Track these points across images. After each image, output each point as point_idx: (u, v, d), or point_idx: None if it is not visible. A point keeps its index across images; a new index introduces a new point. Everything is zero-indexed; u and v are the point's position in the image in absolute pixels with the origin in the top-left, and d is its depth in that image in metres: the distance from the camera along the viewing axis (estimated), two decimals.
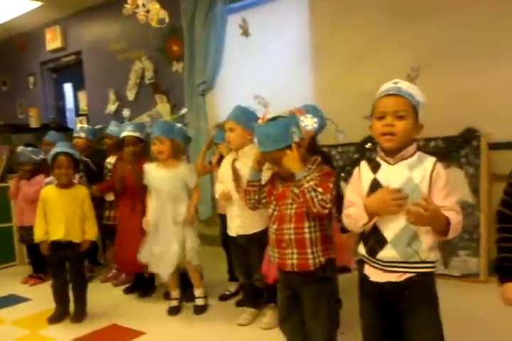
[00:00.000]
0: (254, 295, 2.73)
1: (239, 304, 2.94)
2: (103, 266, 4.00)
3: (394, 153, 1.49)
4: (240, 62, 4.39)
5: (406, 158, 1.48)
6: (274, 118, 1.85)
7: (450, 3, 3.24)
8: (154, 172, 2.85)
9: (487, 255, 3.08)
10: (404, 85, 1.49)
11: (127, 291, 3.35)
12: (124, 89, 5.43)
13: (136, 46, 5.27)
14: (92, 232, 2.88)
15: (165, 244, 2.80)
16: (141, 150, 3.24)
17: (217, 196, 2.65)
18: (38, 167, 3.60)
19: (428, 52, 3.24)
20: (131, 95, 5.39)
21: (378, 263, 1.50)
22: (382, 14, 3.51)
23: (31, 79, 6.84)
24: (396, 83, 1.49)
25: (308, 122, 1.87)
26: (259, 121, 1.88)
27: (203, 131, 4.53)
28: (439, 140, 3.25)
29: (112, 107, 5.59)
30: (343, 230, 2.20)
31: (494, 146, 3.14)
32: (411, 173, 1.46)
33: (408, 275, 1.46)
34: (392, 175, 1.48)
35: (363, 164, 1.59)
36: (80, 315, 2.86)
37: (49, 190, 2.86)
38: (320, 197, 1.70)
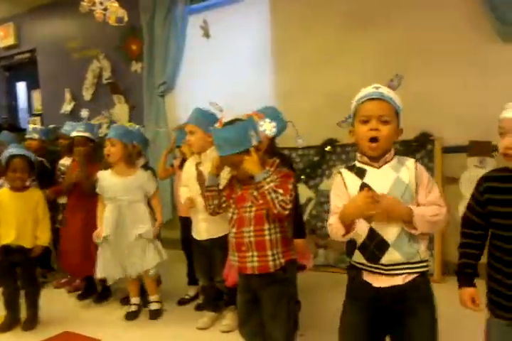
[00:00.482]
0: (214, 298, 2.70)
1: (198, 308, 2.91)
2: (56, 272, 3.85)
3: (378, 158, 1.48)
4: (201, 63, 4.35)
5: (389, 161, 1.49)
6: (231, 122, 1.85)
7: (405, 9, 3.33)
8: (109, 181, 2.77)
9: (440, 255, 3.18)
10: (386, 90, 1.49)
11: (81, 297, 3.25)
12: (80, 88, 5.28)
13: (93, 45, 5.14)
14: (44, 237, 2.76)
15: (121, 253, 2.75)
16: (91, 150, 3.14)
17: (182, 200, 2.60)
18: None
19: (386, 58, 3.32)
20: (87, 95, 5.25)
21: (381, 268, 1.45)
22: (342, 18, 3.57)
23: None
24: (377, 88, 1.49)
25: (267, 127, 1.88)
26: (216, 124, 1.87)
27: (162, 133, 4.46)
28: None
29: (67, 107, 5.43)
30: (299, 234, 2.22)
31: (447, 150, 3.25)
32: (398, 174, 1.46)
33: (412, 276, 1.44)
34: (381, 178, 1.46)
35: (345, 172, 1.55)
36: (32, 322, 2.74)
37: (1, 193, 2.74)
38: (280, 198, 1.70)
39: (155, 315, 2.84)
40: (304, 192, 3.66)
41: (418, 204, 1.43)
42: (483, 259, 1.51)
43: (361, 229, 1.45)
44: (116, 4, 3.43)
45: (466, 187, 3.08)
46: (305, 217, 3.61)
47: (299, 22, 3.81)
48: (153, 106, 4.61)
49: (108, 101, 5.04)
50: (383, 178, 1.45)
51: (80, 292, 3.31)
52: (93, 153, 3.14)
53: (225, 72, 4.19)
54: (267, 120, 1.89)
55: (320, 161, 3.66)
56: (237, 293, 1.95)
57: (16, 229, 2.65)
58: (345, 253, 1.57)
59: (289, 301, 1.83)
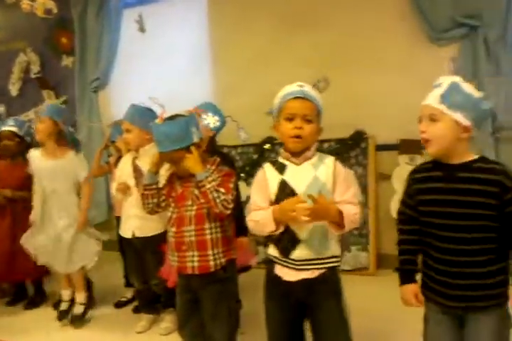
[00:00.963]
0: (151, 301, 2.63)
1: (136, 310, 2.83)
2: None
3: (299, 154, 1.54)
4: (137, 58, 4.24)
5: (309, 158, 1.55)
6: (172, 117, 1.79)
7: (339, 11, 3.42)
8: (38, 161, 2.62)
9: (375, 249, 3.31)
10: (309, 89, 1.55)
11: (10, 303, 3.07)
12: (5, 83, 4.96)
13: (19, 37, 4.83)
14: None
15: (52, 245, 2.61)
16: (18, 146, 2.97)
17: (113, 191, 2.49)
18: None
19: (321, 58, 3.40)
20: (14, 90, 4.92)
21: (291, 263, 1.52)
22: (278, 18, 3.61)
23: None
24: (301, 86, 1.54)
25: (211, 120, 1.85)
26: (157, 120, 1.81)
27: (96, 130, 4.30)
28: (332, 141, 3.42)
29: None
30: (242, 232, 2.21)
31: (380, 148, 3.39)
32: (316, 172, 1.52)
33: (320, 270, 1.52)
34: (299, 175, 1.52)
35: (268, 166, 1.60)
36: None
37: None
38: (222, 197, 1.69)
39: (76, 319, 2.66)
40: (244, 190, 3.60)
41: (334, 202, 1.48)
42: None
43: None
44: None
45: (398, 184, 3.22)
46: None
47: (237, 21, 3.80)
48: (85, 102, 4.42)
49: (37, 97, 4.77)
50: (302, 175, 1.52)
51: (8, 298, 3.13)
52: (20, 149, 2.96)
53: (162, 68, 4.11)
54: (210, 114, 1.86)
55: (259, 159, 3.67)
56: (176, 294, 1.91)
57: None
58: (263, 244, 1.63)
59: (229, 300, 1.82)
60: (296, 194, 1.49)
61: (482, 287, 1.35)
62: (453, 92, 1.34)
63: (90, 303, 2.79)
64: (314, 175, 1.51)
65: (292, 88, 1.55)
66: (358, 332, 2.24)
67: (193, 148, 1.72)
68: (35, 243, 2.64)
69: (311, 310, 1.56)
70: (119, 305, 2.96)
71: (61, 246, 2.60)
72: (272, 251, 1.57)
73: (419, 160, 3.16)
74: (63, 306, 2.77)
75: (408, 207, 1.51)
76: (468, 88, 1.36)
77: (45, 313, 2.91)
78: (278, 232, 1.51)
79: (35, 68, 4.75)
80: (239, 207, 2.08)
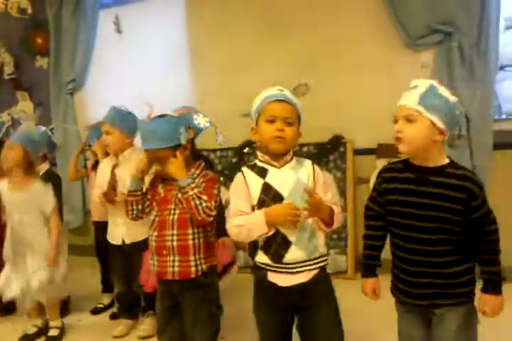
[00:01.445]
0: (131, 304, 2.60)
1: (113, 317, 2.79)
2: None
3: (279, 157, 1.54)
4: (114, 60, 4.18)
5: (288, 162, 1.56)
6: (161, 116, 1.74)
7: (318, 17, 3.45)
8: (5, 194, 2.47)
9: (353, 253, 3.33)
10: (289, 93, 1.55)
11: None
12: None
13: None
14: None
15: (23, 277, 2.46)
16: None
17: (94, 198, 2.45)
18: None
19: (299, 63, 3.41)
20: None
21: (285, 268, 1.50)
22: (257, 22, 3.61)
23: None
24: (281, 90, 1.55)
25: (201, 120, 1.81)
26: (145, 117, 1.76)
27: (71, 134, 4.22)
28: (310, 146, 3.44)
29: None
30: (223, 234, 2.20)
31: (358, 152, 3.42)
32: (298, 174, 1.53)
33: (314, 272, 1.52)
34: (282, 177, 1.52)
35: (246, 170, 1.58)
36: None
37: None
38: (204, 204, 1.67)
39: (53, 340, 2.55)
40: (223, 194, 3.62)
41: None
42: None
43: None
44: None
45: None
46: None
47: (216, 22, 3.79)
48: (61, 104, 4.34)
49: (10, 98, 4.66)
50: (284, 178, 1.52)
51: None
52: None
53: (139, 70, 4.06)
54: (201, 114, 1.83)
55: (238, 163, 3.66)
56: (156, 300, 1.88)
57: None
58: (248, 254, 1.61)
59: (210, 306, 1.81)
60: (282, 196, 1.49)
61: (447, 286, 1.39)
62: (431, 95, 1.36)
63: (63, 330, 2.64)
64: (296, 177, 1.52)
65: (272, 91, 1.55)
66: None
67: (178, 153, 1.70)
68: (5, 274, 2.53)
69: (304, 313, 1.55)
70: (95, 311, 2.91)
71: (30, 292, 2.45)
72: (261, 258, 1.53)
73: None
74: (30, 330, 2.59)
75: (377, 203, 1.54)
76: (445, 92, 1.39)
77: (21, 320, 2.81)
78: (269, 234, 1.49)
79: (8, 69, 4.64)
80: (220, 209, 2.07)
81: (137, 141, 2.46)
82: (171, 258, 1.74)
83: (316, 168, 1.57)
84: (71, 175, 3.09)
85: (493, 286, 1.39)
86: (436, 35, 3.11)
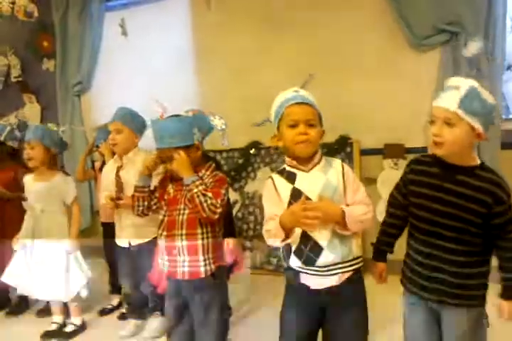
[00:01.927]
0: (139, 305, 2.60)
1: (121, 317, 2.79)
2: None
3: (307, 161, 1.50)
4: (120, 62, 4.21)
5: (317, 164, 1.51)
6: (176, 116, 1.75)
7: (323, 19, 3.45)
8: (29, 185, 2.58)
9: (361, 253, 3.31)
10: (306, 94, 1.52)
11: None
12: None
13: (0, 40, 4.76)
14: None
15: (40, 269, 2.51)
16: None
17: (102, 200, 2.46)
18: None
19: (304, 62, 3.41)
20: None
21: (317, 270, 1.47)
22: (262, 24, 3.62)
23: None
24: (298, 92, 1.51)
25: (217, 122, 1.81)
26: (158, 117, 1.77)
27: (78, 135, 4.24)
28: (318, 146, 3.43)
29: None
30: (229, 235, 2.20)
31: (365, 152, 3.41)
32: (327, 176, 1.49)
33: (347, 275, 1.48)
34: (311, 181, 1.48)
35: (276, 177, 1.55)
36: None
37: None
38: (209, 201, 1.67)
39: (63, 335, 2.60)
40: (230, 195, 3.64)
41: (347, 205, 1.46)
42: None
43: (295, 234, 1.46)
44: None
45: (384, 188, 3.25)
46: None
47: (220, 25, 3.80)
48: (67, 106, 4.37)
49: (18, 101, 4.69)
50: (313, 182, 1.48)
51: None
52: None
53: (145, 72, 4.08)
54: (217, 116, 1.83)
55: (245, 164, 3.67)
56: (165, 299, 1.89)
57: None
58: (283, 259, 1.58)
59: (219, 308, 1.80)
60: (311, 200, 1.44)
61: (458, 286, 1.38)
62: (472, 98, 1.30)
63: (82, 328, 2.68)
64: (325, 179, 1.48)
65: (289, 94, 1.52)
66: None
67: (181, 152, 1.70)
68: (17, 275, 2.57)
69: (333, 316, 1.52)
70: (104, 312, 2.91)
71: (50, 274, 2.50)
72: (294, 261, 1.51)
73: (403, 164, 3.19)
74: (52, 326, 2.65)
75: (400, 193, 1.55)
76: (486, 94, 1.33)
77: (29, 321, 2.85)
78: (288, 241, 1.46)
79: (15, 72, 4.68)
80: (228, 211, 2.07)
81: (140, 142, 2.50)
82: (181, 258, 1.74)
83: (346, 167, 1.53)
84: (79, 176, 3.11)
85: None
86: (442, 35, 3.11)
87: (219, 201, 1.69)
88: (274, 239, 1.47)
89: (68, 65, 4.36)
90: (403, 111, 3.26)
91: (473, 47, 1.64)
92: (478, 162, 1.40)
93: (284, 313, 1.58)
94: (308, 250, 1.46)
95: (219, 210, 1.69)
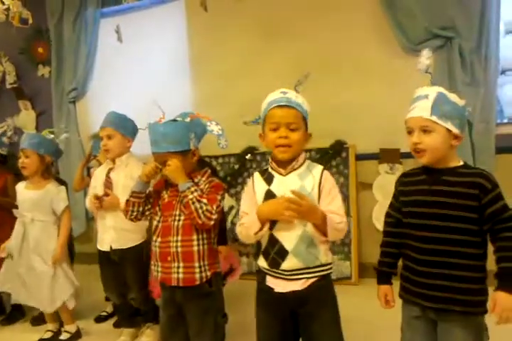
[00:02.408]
0: (130, 314, 2.56)
1: (117, 325, 2.76)
2: None
3: (286, 164, 1.53)
4: (116, 68, 4.21)
5: (296, 169, 1.53)
6: (173, 120, 1.75)
7: (318, 24, 3.47)
8: (21, 193, 2.56)
9: (357, 258, 3.31)
10: (293, 95, 1.52)
11: None
12: None
13: None
14: None
15: (25, 277, 2.51)
16: None
17: (87, 205, 2.43)
18: None
19: (301, 68, 3.39)
20: None
21: (282, 274, 1.51)
22: (258, 28, 3.64)
23: None
24: (285, 93, 1.52)
25: (214, 128, 1.80)
26: (156, 121, 1.76)
27: (73, 142, 4.23)
28: (312, 151, 3.43)
29: None
30: (222, 242, 2.19)
31: (360, 157, 3.41)
32: (302, 182, 1.51)
33: (311, 280, 1.50)
34: (285, 185, 1.50)
35: (257, 175, 1.60)
36: None
37: None
38: (205, 207, 1.66)
39: None
40: (226, 201, 3.63)
41: None
42: None
43: (264, 234, 1.51)
44: (19, 3, 3.23)
45: (379, 193, 3.25)
46: (227, 225, 3.59)
47: (216, 30, 3.81)
48: (63, 113, 4.37)
49: (13, 108, 4.68)
50: (287, 186, 1.49)
51: None
52: None
53: (141, 78, 4.08)
54: (214, 122, 1.82)
55: (240, 169, 3.67)
56: (160, 309, 1.87)
57: None
58: (253, 256, 1.61)
59: (215, 316, 1.78)
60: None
61: (461, 291, 1.36)
62: (442, 103, 1.37)
63: (77, 336, 2.66)
64: (300, 185, 1.50)
65: (275, 95, 1.53)
66: None
67: (174, 158, 1.68)
68: (7, 274, 2.57)
69: (303, 320, 1.54)
70: (99, 319, 2.89)
71: (37, 283, 2.50)
72: (262, 262, 1.56)
73: (399, 168, 3.20)
74: (47, 334, 2.63)
75: (394, 209, 1.54)
76: (454, 97, 1.40)
77: (23, 329, 2.82)
78: (261, 235, 1.50)
79: (11, 78, 4.68)
80: (223, 218, 2.06)
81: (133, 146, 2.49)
82: (176, 264, 1.72)
83: (325, 175, 1.53)
84: (76, 186, 3.08)
85: (510, 283, 1.32)
86: (436, 40, 3.12)
87: (214, 207, 1.69)
88: (246, 232, 1.51)
89: (63, 72, 4.37)
90: (399, 116, 3.24)
91: (424, 59, 1.65)
92: (461, 162, 1.43)
93: (256, 315, 1.61)
94: (274, 253, 1.50)
95: (214, 216, 1.68)
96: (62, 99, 4.37)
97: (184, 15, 3.99)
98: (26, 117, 4.62)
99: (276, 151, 1.51)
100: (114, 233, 2.34)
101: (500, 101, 3.21)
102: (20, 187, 2.58)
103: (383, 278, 1.56)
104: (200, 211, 1.65)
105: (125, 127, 2.38)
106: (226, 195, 3.64)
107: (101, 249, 2.41)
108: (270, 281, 1.54)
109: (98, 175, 2.48)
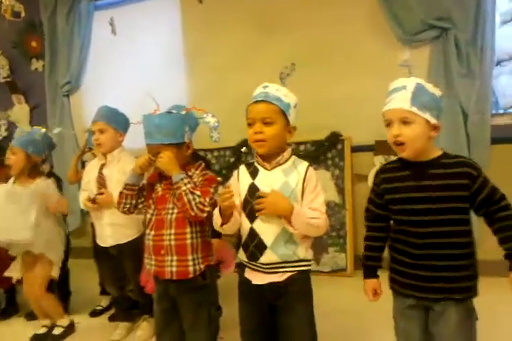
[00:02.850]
0: (127, 308, 2.58)
1: (112, 319, 2.76)
2: None
3: (270, 159, 1.54)
4: (110, 61, 4.18)
5: (281, 164, 1.55)
6: (169, 112, 1.72)
7: (313, 14, 3.44)
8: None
9: (353, 250, 3.31)
10: (273, 89, 1.52)
11: None
12: None
13: None
14: None
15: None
16: None
17: (82, 206, 2.42)
18: None
19: (297, 59, 3.39)
20: None
21: (260, 267, 1.54)
22: (252, 22, 3.61)
23: None
24: (265, 87, 1.53)
25: (210, 120, 1.79)
26: (152, 112, 1.74)
27: (67, 136, 4.20)
28: (308, 144, 3.42)
29: None
30: (216, 235, 2.18)
31: (356, 149, 3.40)
32: (287, 178, 1.52)
33: (288, 274, 1.52)
34: (270, 180, 1.52)
35: (242, 168, 1.62)
36: None
37: None
38: (198, 199, 1.65)
39: (56, 339, 2.55)
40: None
41: None
42: None
43: (243, 228, 1.55)
44: None
45: None
46: None
47: (211, 23, 3.79)
48: (57, 106, 4.34)
49: (6, 102, 4.65)
50: (272, 181, 1.52)
51: None
52: None
53: (134, 72, 4.06)
54: (210, 114, 1.81)
55: (236, 162, 3.65)
56: (153, 302, 1.86)
57: None
58: (234, 248, 1.63)
59: (209, 309, 1.78)
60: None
61: (455, 279, 1.38)
62: (420, 93, 1.36)
63: (71, 329, 2.65)
64: (284, 180, 1.51)
65: (257, 90, 1.55)
66: (336, 332, 2.26)
67: (167, 150, 1.67)
68: None
69: (279, 312, 1.56)
70: (94, 313, 2.89)
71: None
72: (241, 254, 1.59)
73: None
74: (41, 330, 2.61)
75: (375, 205, 1.53)
76: (432, 87, 1.39)
77: (17, 324, 2.82)
78: (226, 228, 1.54)
79: (4, 72, 4.64)
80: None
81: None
82: (169, 257, 1.72)
83: (310, 172, 1.54)
84: (71, 178, 3.06)
85: None
86: (432, 31, 3.10)
87: (207, 199, 1.67)
88: (215, 224, 1.57)
89: (57, 65, 4.33)
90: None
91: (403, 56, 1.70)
92: (441, 152, 1.42)
93: (238, 306, 1.63)
94: (253, 246, 1.53)
95: (207, 209, 1.67)
96: (56, 92, 4.34)
97: (179, 7, 3.96)
98: (20, 111, 4.59)
99: (254, 146, 1.53)
100: (112, 229, 2.35)
101: (496, 92, 3.20)
102: (7, 186, 2.49)
103: (370, 272, 1.56)
104: (193, 203, 1.64)
105: (117, 121, 2.37)
106: (220, 188, 3.64)
107: (100, 244, 2.41)
108: (248, 273, 1.57)
109: (90, 171, 2.46)
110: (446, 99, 2.72)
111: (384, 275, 1.54)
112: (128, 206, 1.80)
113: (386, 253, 1.56)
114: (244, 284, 1.59)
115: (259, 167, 1.57)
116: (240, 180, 1.59)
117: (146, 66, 4.03)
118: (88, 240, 3.00)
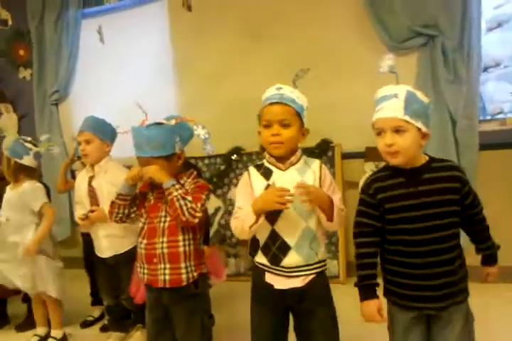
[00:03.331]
0: (120, 317, 2.55)
1: (103, 329, 2.73)
2: None
3: (284, 159, 1.53)
4: (98, 70, 4.16)
5: (294, 164, 1.54)
6: (157, 123, 1.72)
7: (302, 23, 3.47)
8: (7, 191, 2.55)
9: (345, 257, 3.31)
10: (288, 91, 1.53)
11: None
12: None
13: None
14: None
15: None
16: None
17: (76, 219, 2.41)
18: None
19: (284, 67, 3.39)
20: None
21: (282, 271, 1.51)
22: (241, 29, 3.62)
23: None
24: (279, 89, 1.53)
25: (200, 131, 1.78)
26: (140, 124, 1.73)
27: (56, 145, 4.15)
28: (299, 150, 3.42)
29: None
30: (205, 242, 2.17)
31: (346, 156, 3.42)
32: (303, 177, 1.51)
33: (310, 277, 1.51)
34: (286, 180, 1.50)
35: (252, 170, 1.59)
36: None
37: None
38: (189, 205, 1.65)
39: None
40: (212, 202, 3.62)
41: None
42: None
43: (262, 232, 1.51)
44: None
45: None
46: (214, 226, 3.58)
47: (200, 30, 3.79)
48: (45, 115, 4.31)
49: None
50: (288, 180, 1.49)
51: None
52: None
53: (124, 80, 4.05)
54: (200, 125, 1.80)
55: (227, 170, 3.65)
56: (145, 311, 1.84)
57: None
58: (249, 252, 1.60)
59: (202, 317, 1.77)
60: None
61: (456, 283, 1.38)
62: (412, 101, 1.35)
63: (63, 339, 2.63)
64: (301, 180, 1.49)
65: (270, 92, 1.54)
66: None
67: (157, 162, 1.67)
68: None
69: (300, 316, 1.54)
70: (85, 324, 2.85)
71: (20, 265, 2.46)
72: (261, 258, 1.55)
73: None
74: (34, 339, 2.60)
75: (369, 217, 1.44)
76: (421, 95, 1.38)
77: (8, 336, 2.77)
78: (255, 229, 1.48)
79: None
80: (206, 218, 2.03)
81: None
82: (162, 265, 1.71)
83: (324, 169, 1.55)
84: (59, 187, 3.03)
85: (495, 258, 1.48)
86: (419, 39, 3.13)
87: (199, 205, 1.67)
88: (242, 226, 1.48)
89: (45, 74, 4.31)
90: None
91: (385, 64, 1.66)
92: (427, 157, 1.43)
93: (252, 312, 1.60)
94: (276, 248, 1.50)
95: (199, 214, 1.66)
96: (44, 101, 4.31)
97: (167, 15, 3.96)
98: (8, 121, 4.55)
99: (270, 148, 1.51)
100: (107, 241, 2.34)
101: (483, 98, 3.24)
102: (7, 189, 2.58)
103: (371, 292, 1.42)
104: (184, 208, 1.64)
105: (103, 131, 2.36)
106: (213, 196, 3.64)
107: (100, 255, 2.40)
108: (270, 278, 1.53)
109: (80, 184, 2.45)
110: (435, 106, 2.74)
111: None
112: (120, 215, 1.80)
113: None
114: (264, 289, 1.55)
115: (271, 167, 1.55)
116: (253, 183, 1.56)
117: (135, 74, 4.02)
118: (78, 250, 2.97)
